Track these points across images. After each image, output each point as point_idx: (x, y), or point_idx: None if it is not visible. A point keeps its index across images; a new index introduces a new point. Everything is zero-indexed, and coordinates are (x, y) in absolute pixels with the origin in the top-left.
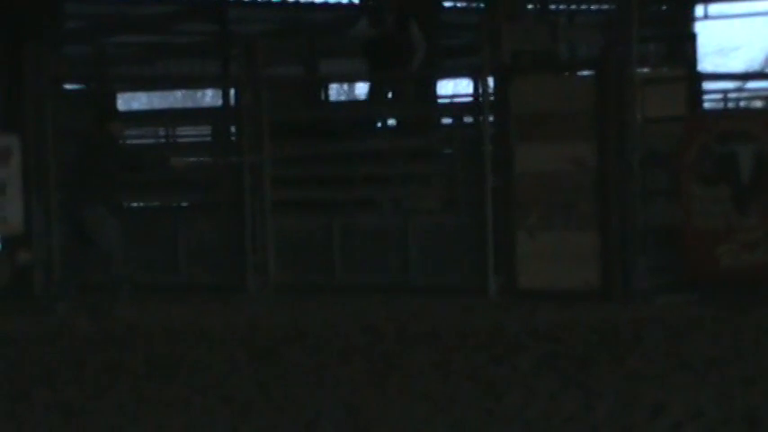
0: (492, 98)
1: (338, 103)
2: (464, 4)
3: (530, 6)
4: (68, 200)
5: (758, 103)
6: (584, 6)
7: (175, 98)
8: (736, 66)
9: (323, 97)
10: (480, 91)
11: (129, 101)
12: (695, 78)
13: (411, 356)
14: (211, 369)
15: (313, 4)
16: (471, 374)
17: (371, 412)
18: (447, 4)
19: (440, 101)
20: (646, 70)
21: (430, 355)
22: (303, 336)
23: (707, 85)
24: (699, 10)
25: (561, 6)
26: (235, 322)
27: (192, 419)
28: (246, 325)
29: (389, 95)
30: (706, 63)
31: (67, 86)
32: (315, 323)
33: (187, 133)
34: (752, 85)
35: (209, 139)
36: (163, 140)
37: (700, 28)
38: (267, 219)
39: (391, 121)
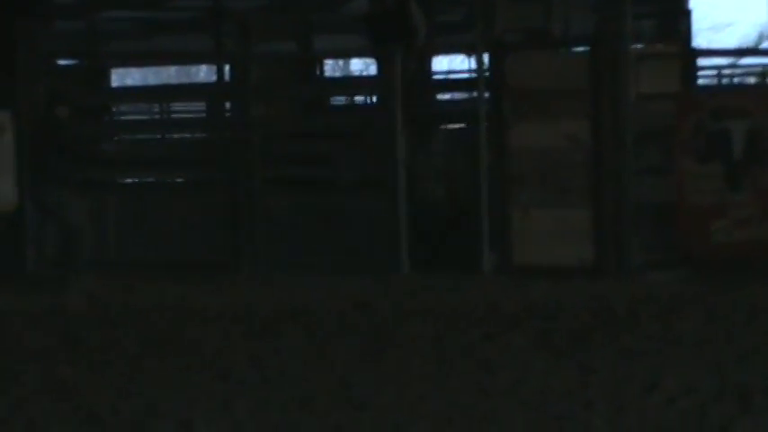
0: (487, 75)
1: (333, 79)
2: None
3: None
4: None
5: (751, 80)
6: None
7: (169, 74)
8: (730, 42)
9: (318, 73)
10: (475, 67)
11: (122, 77)
12: (689, 55)
13: (405, 333)
14: (206, 346)
15: None
16: (465, 351)
17: (366, 388)
18: None
19: (435, 77)
20: (640, 47)
21: (424, 331)
22: (297, 313)
23: (701, 62)
24: None
25: None
26: (228, 300)
27: (188, 396)
28: (240, 303)
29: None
30: (700, 39)
31: (61, 62)
32: (308, 301)
33: (181, 109)
34: (745, 61)
35: (203, 115)
36: (157, 116)
37: (694, 4)
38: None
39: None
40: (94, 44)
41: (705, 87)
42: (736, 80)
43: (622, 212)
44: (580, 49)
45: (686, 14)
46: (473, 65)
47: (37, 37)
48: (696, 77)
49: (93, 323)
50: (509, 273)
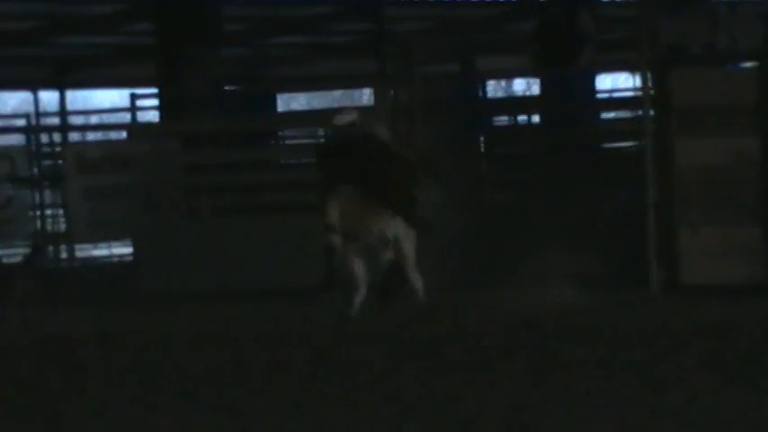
0: (652, 92)
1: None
2: None
3: None
4: None
5: None
6: None
7: (334, 98)
8: None
9: (480, 94)
10: (641, 85)
11: (288, 101)
12: None
13: (572, 353)
14: (373, 367)
15: (469, 0)
16: (634, 371)
17: (533, 409)
18: None
19: (600, 95)
20: None
21: (592, 351)
22: (464, 332)
23: None
24: None
25: None
26: (396, 320)
27: (356, 417)
28: (406, 322)
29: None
30: None
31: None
32: (473, 319)
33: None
34: None
35: None
36: (322, 140)
37: None
38: None
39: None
40: (260, 69)
41: None
42: None
43: None
44: (748, 64)
45: None
46: (638, 82)
47: (204, 63)
48: None
49: (259, 344)
50: (677, 291)
